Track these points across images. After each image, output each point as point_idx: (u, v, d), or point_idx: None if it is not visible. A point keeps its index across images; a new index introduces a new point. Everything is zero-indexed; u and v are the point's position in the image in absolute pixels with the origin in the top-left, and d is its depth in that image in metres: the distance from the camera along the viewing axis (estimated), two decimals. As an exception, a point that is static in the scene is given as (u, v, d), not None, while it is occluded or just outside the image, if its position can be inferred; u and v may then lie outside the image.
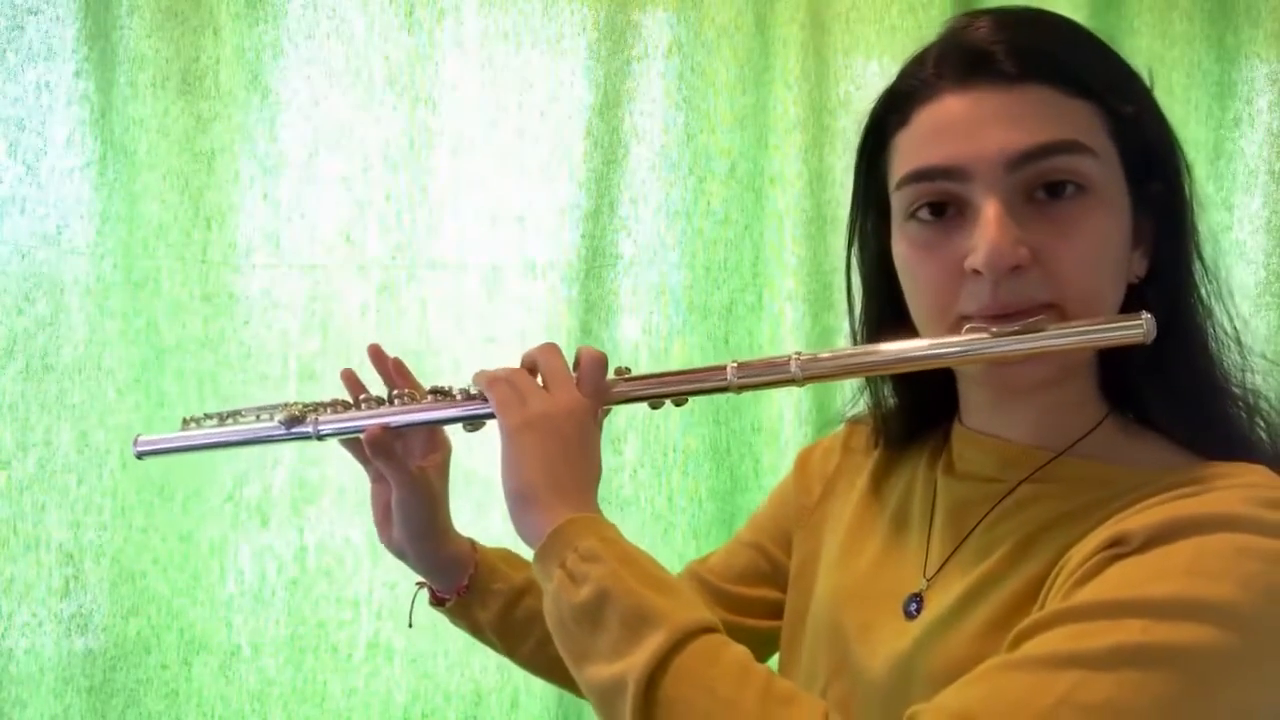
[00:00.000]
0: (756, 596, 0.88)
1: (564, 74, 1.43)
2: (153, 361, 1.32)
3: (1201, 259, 0.69)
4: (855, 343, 0.79)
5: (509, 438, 0.71)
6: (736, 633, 0.87)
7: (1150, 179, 0.67)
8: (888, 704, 0.57)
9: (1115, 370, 0.69)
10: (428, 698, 1.39)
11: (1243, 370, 0.69)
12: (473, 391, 0.77)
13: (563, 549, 0.65)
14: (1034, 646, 0.55)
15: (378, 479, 0.87)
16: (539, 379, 0.74)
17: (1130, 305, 0.66)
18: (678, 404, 0.76)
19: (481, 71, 1.41)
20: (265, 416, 0.82)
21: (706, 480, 1.48)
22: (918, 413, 0.79)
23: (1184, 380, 0.67)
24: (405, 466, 0.82)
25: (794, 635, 0.82)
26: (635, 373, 0.76)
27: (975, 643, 0.62)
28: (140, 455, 0.86)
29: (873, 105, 0.72)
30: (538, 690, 1.41)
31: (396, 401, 0.80)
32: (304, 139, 1.36)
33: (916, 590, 0.71)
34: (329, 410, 0.81)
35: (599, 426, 0.76)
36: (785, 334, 1.49)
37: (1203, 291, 0.69)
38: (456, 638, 1.39)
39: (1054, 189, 0.63)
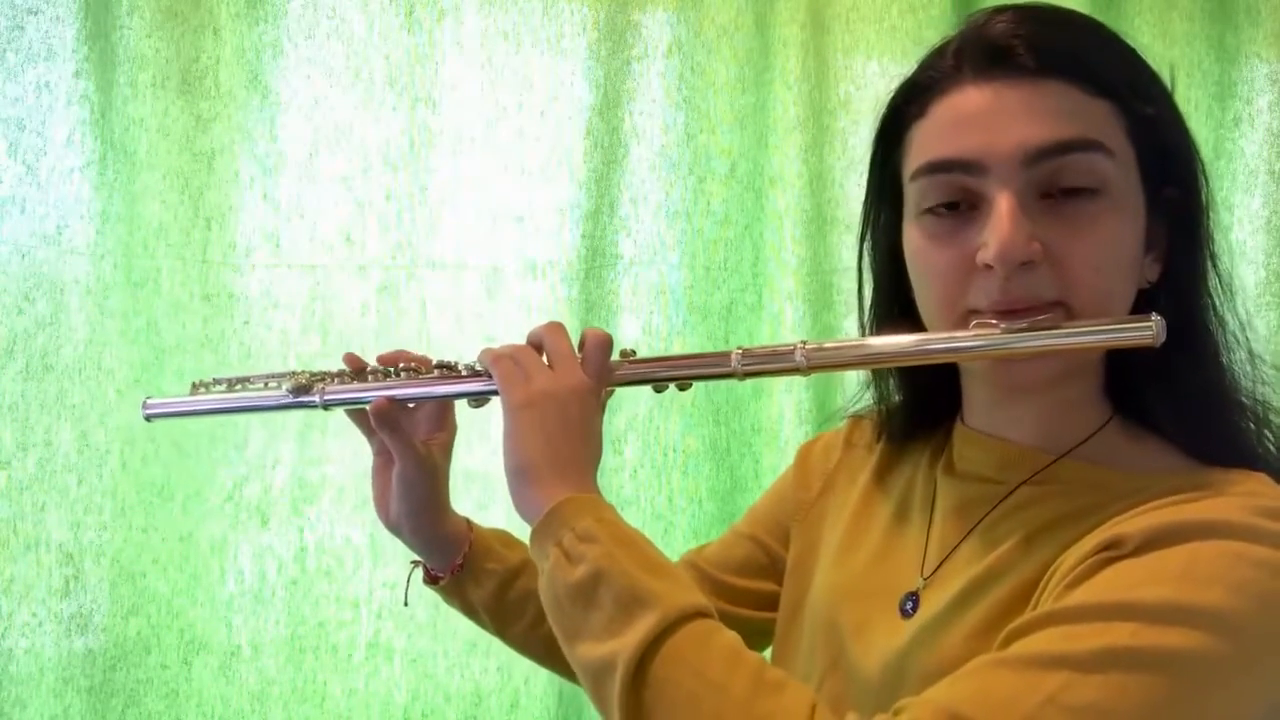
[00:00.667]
0: (752, 588, 0.88)
1: (564, 74, 1.43)
2: (153, 361, 1.32)
3: (1216, 268, 0.68)
4: (864, 336, 0.79)
5: (511, 414, 0.71)
6: (731, 623, 0.87)
7: (1167, 184, 0.66)
8: (881, 702, 0.58)
9: (1121, 373, 0.68)
10: (428, 698, 1.39)
11: (1253, 382, 0.69)
12: (478, 368, 0.77)
13: (559, 528, 0.66)
14: (1024, 646, 0.56)
15: (380, 453, 0.87)
16: (544, 358, 0.75)
17: (1140, 310, 0.65)
18: (681, 388, 0.77)
19: (481, 71, 1.41)
20: (273, 384, 0.83)
21: (706, 480, 1.48)
22: (921, 409, 0.79)
23: (1191, 388, 0.66)
24: (410, 440, 0.82)
25: (789, 629, 0.82)
26: (641, 357, 0.77)
27: (969, 643, 0.62)
28: (149, 418, 0.87)
29: (890, 95, 0.72)
30: (538, 690, 1.41)
31: (403, 375, 0.80)
32: (304, 139, 1.36)
33: (913, 589, 0.71)
34: (336, 380, 0.82)
35: (602, 408, 0.76)
36: (785, 334, 1.49)
37: (1215, 300, 0.68)
38: (456, 638, 1.40)
39: (1069, 187, 0.63)
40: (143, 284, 1.31)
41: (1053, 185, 0.63)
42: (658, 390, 0.78)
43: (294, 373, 0.82)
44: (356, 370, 0.84)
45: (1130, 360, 0.66)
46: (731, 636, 0.62)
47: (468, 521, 0.89)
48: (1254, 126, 1.65)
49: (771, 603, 0.85)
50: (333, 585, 1.36)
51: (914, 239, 0.68)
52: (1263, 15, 1.64)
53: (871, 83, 1.53)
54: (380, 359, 0.85)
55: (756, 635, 0.86)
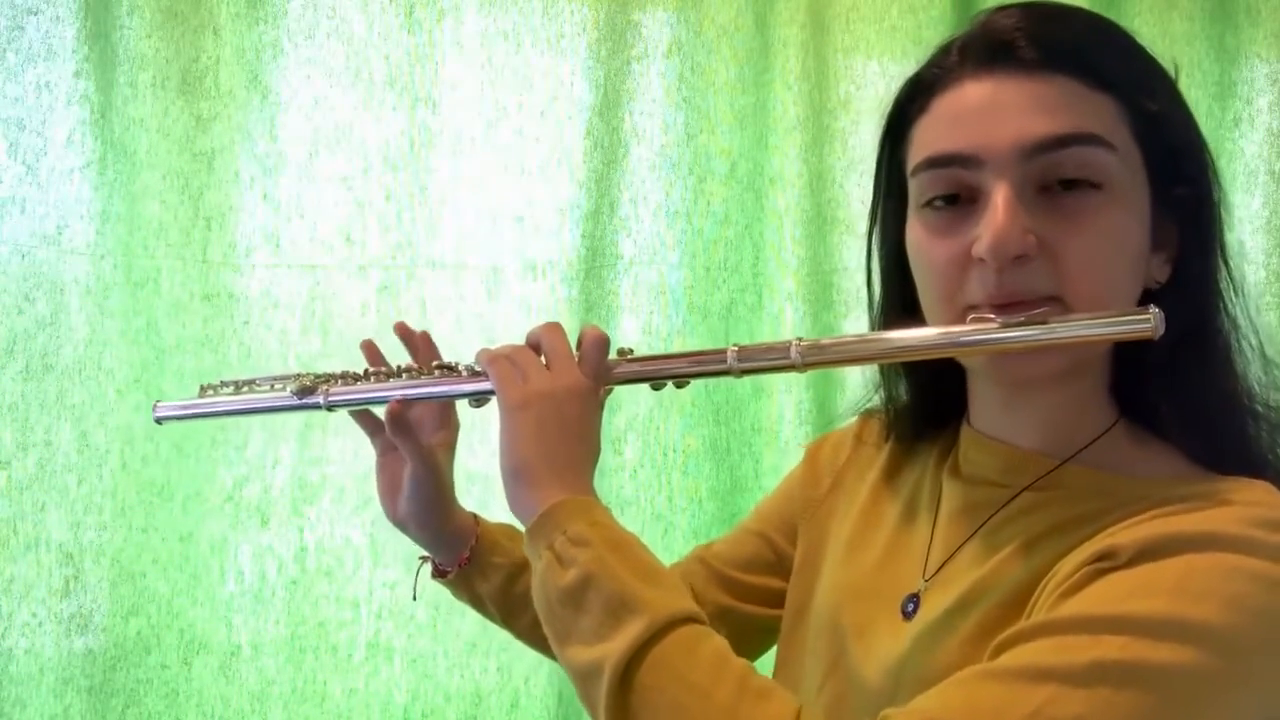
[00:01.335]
0: (760, 584, 0.88)
1: (564, 74, 1.43)
2: (153, 361, 1.32)
3: (1228, 269, 0.67)
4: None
5: (507, 415, 0.72)
6: (738, 619, 0.87)
7: (1176, 183, 0.65)
8: (878, 705, 0.57)
9: (1128, 375, 0.67)
10: (428, 698, 1.39)
11: (1266, 387, 0.67)
12: (477, 369, 0.78)
13: (552, 530, 0.66)
14: (1013, 657, 0.55)
15: (385, 452, 0.88)
16: (543, 358, 0.75)
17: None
18: (679, 386, 0.77)
19: (481, 71, 1.41)
20: (279, 386, 0.85)
21: (706, 480, 1.48)
22: (929, 410, 0.78)
23: (1200, 391, 0.65)
24: (416, 440, 0.83)
25: (794, 627, 0.82)
26: (638, 355, 0.77)
27: (964, 649, 0.62)
28: (159, 420, 0.90)
29: (896, 92, 0.71)
30: (538, 691, 1.41)
31: (404, 376, 0.82)
32: (304, 139, 1.36)
33: (915, 591, 0.70)
34: (339, 382, 0.83)
35: (600, 406, 0.77)
36: (785, 334, 1.48)
37: (1227, 302, 0.67)
38: (457, 638, 1.40)
39: (1069, 182, 0.62)
40: (143, 284, 1.31)
41: (1051, 179, 0.62)
42: (655, 388, 0.78)
43: (298, 375, 0.83)
44: (371, 361, 0.87)
45: (1137, 361, 0.64)
46: (719, 643, 0.62)
47: (474, 516, 0.90)
48: (1254, 126, 1.65)
49: (779, 600, 0.85)
50: (333, 585, 1.36)
51: (915, 234, 0.68)
52: (1263, 15, 1.64)
53: (871, 83, 1.53)
54: (397, 330, 0.88)
55: (764, 632, 0.86)
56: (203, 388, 0.89)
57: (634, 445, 1.46)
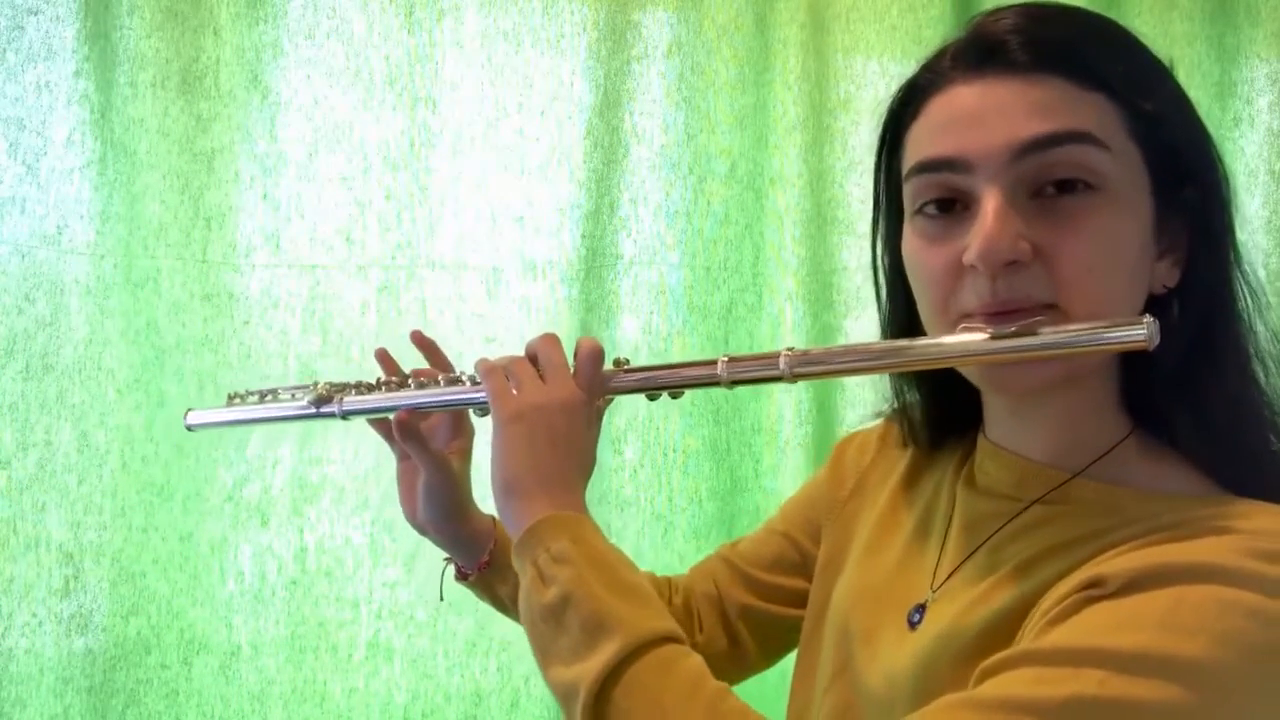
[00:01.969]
0: (784, 584, 0.88)
1: (564, 74, 1.43)
2: (153, 361, 1.32)
3: (1241, 272, 0.65)
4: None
5: (499, 428, 0.72)
6: (762, 618, 0.88)
7: (1182, 184, 0.63)
8: (879, 713, 0.57)
9: (1139, 385, 0.65)
10: (428, 698, 1.39)
11: None
12: (478, 379, 0.79)
13: (535, 547, 0.66)
14: (993, 687, 0.54)
15: (404, 457, 0.89)
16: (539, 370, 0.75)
17: (1153, 315, 0.61)
18: (674, 396, 0.78)
19: (481, 71, 1.41)
20: (299, 395, 0.89)
21: (706, 480, 1.48)
22: (945, 418, 0.77)
23: (1215, 402, 0.62)
24: (429, 449, 0.85)
25: (813, 629, 0.81)
26: (634, 365, 0.78)
27: (956, 668, 0.61)
28: (190, 428, 0.97)
29: (891, 98, 0.70)
30: (538, 691, 1.41)
31: (414, 386, 0.85)
32: (304, 139, 1.36)
33: (922, 601, 0.69)
34: (353, 391, 0.87)
35: (599, 417, 0.77)
36: (785, 334, 1.48)
37: (1241, 307, 0.64)
38: (456, 638, 1.40)
39: (1063, 184, 0.60)
40: (143, 284, 1.31)
41: (1044, 182, 0.60)
42: (651, 399, 0.79)
43: (315, 384, 0.88)
44: (385, 370, 0.90)
45: (1147, 370, 0.62)
46: (695, 663, 0.62)
47: (493, 520, 0.90)
48: (1254, 126, 1.65)
49: (803, 600, 0.85)
50: (333, 585, 1.36)
51: (909, 241, 0.67)
52: (1263, 15, 1.64)
53: (871, 83, 1.53)
54: (413, 338, 0.91)
55: (788, 632, 0.86)
56: (230, 397, 0.94)
57: (634, 445, 1.46)
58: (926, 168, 0.64)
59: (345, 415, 0.87)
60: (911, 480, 0.80)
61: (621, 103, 1.45)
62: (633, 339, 1.46)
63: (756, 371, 0.72)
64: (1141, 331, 0.57)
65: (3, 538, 1.27)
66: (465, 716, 1.40)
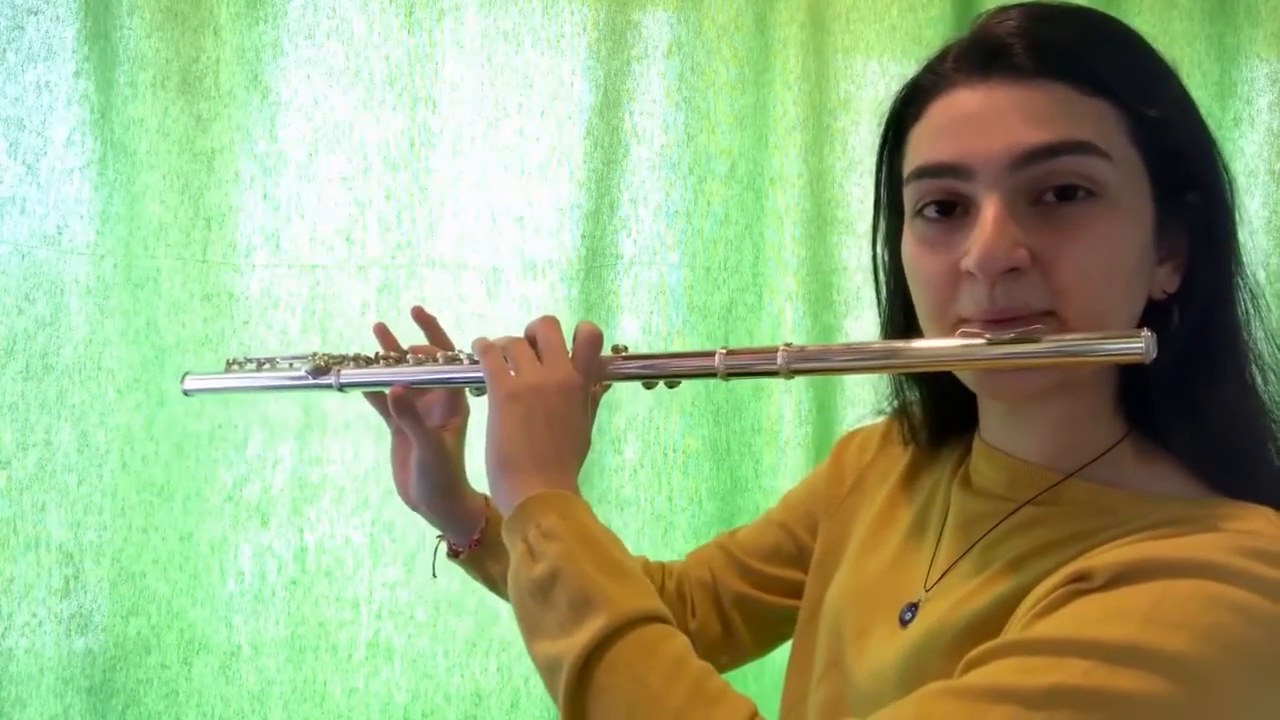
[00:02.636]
0: (780, 575, 0.89)
1: (564, 74, 1.43)
2: (153, 361, 1.32)
3: (1243, 279, 0.64)
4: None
5: (495, 406, 0.73)
6: (756, 608, 0.88)
7: (1184, 189, 0.63)
8: (866, 708, 0.57)
9: (1135, 388, 0.65)
10: (428, 698, 1.39)
11: None
12: (476, 358, 0.79)
13: (525, 523, 0.67)
14: (978, 676, 0.54)
15: (398, 434, 0.90)
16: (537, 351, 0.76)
17: (1153, 322, 0.61)
18: (670, 385, 0.78)
19: (481, 71, 1.41)
20: (297, 365, 0.89)
21: (706, 480, 1.48)
22: (944, 419, 0.77)
23: (1211, 407, 0.62)
24: (424, 426, 0.85)
25: (807, 622, 0.82)
26: (632, 353, 0.78)
27: (944, 665, 0.60)
28: (187, 392, 0.97)
29: (893, 98, 0.70)
30: (538, 690, 1.42)
31: (413, 361, 0.86)
32: (304, 139, 1.36)
33: (915, 600, 0.70)
34: (352, 364, 0.87)
35: (595, 402, 0.78)
36: (785, 334, 1.48)
37: (1240, 311, 0.64)
38: (456, 638, 1.40)
39: (1064, 192, 0.60)
40: (143, 284, 1.31)
41: (1044, 189, 0.60)
42: (648, 386, 0.79)
43: (313, 354, 0.88)
44: (383, 343, 0.90)
45: (1143, 374, 0.62)
46: (680, 643, 0.62)
47: (485, 498, 0.91)
48: (1254, 126, 1.65)
49: (797, 591, 0.86)
50: (333, 585, 1.36)
51: (909, 244, 0.67)
52: (1263, 15, 1.64)
53: (871, 83, 1.53)
54: (414, 314, 0.92)
55: (783, 623, 0.86)
56: (229, 362, 0.94)
57: (634, 445, 1.46)
58: (927, 172, 0.64)
59: (342, 388, 0.86)
60: (910, 479, 0.80)
61: (621, 103, 1.45)
62: (633, 339, 1.46)
63: (753, 365, 0.72)
64: (1139, 345, 0.57)
65: (3, 538, 1.27)
66: (465, 716, 1.40)
